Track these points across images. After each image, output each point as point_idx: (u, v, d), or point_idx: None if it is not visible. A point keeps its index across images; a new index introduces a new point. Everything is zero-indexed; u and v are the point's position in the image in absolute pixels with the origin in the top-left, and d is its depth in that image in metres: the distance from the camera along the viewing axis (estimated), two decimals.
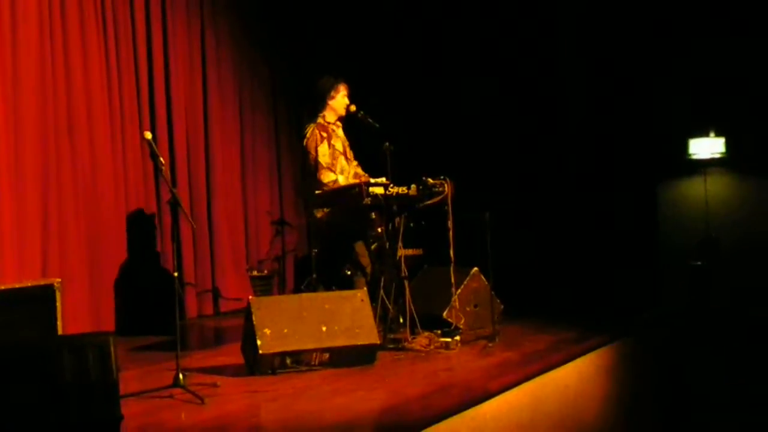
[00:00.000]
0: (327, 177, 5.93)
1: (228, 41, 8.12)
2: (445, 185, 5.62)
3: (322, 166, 5.95)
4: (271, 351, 4.75)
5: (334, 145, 6.07)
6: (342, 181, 5.98)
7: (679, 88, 8.39)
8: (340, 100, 6.12)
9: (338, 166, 6.06)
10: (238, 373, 4.85)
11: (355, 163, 6.28)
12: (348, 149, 6.27)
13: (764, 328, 7.66)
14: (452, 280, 5.75)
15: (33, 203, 6.09)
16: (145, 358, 5.54)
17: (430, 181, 5.63)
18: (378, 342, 5.07)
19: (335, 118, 6.17)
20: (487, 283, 6.17)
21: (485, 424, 4.28)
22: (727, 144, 8.35)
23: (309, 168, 6.04)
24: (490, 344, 5.58)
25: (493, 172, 8.65)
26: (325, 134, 6.05)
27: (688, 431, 6.70)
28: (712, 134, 8.37)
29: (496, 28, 8.89)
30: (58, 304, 4.78)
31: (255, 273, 8.13)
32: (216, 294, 7.74)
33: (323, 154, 5.97)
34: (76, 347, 3.49)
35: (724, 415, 6.89)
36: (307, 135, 6.06)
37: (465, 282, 6.16)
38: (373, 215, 5.83)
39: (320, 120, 6.13)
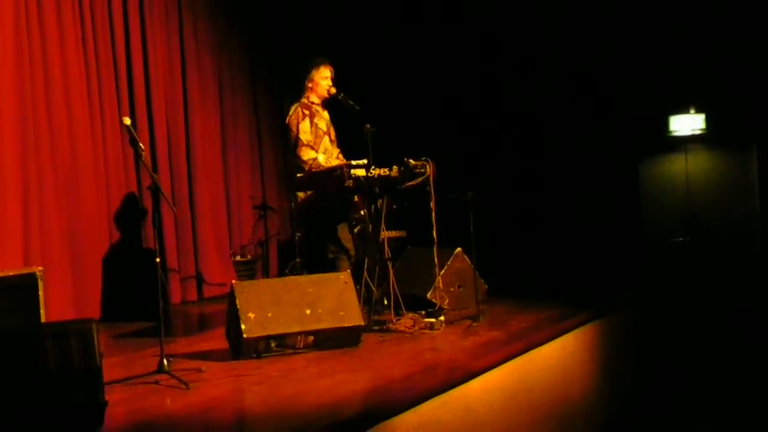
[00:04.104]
0: (306, 154, 5.89)
1: (206, 25, 8.06)
2: (427, 166, 5.59)
3: (302, 142, 5.91)
4: (256, 335, 4.75)
5: (317, 124, 6.03)
6: (322, 160, 5.93)
7: (659, 66, 8.39)
8: (321, 82, 6.08)
9: (321, 146, 6.02)
10: (222, 357, 4.84)
11: (337, 150, 6.24)
12: (333, 132, 6.23)
13: (743, 304, 7.74)
14: (436, 260, 5.73)
15: (13, 192, 6.04)
16: (129, 344, 5.52)
17: (412, 162, 5.61)
18: (362, 324, 5.06)
19: (319, 100, 6.14)
20: (470, 263, 6.18)
21: (470, 404, 4.30)
22: (708, 120, 8.37)
23: (290, 146, 6.01)
24: (475, 324, 5.60)
25: (475, 152, 8.66)
26: (307, 112, 6.01)
27: (670, 406, 6.75)
28: (692, 111, 8.39)
29: (477, 6, 8.87)
30: (41, 292, 4.76)
31: (238, 258, 8.12)
32: (199, 279, 7.73)
33: (304, 131, 5.93)
34: (58, 334, 3.47)
35: (705, 389, 6.96)
36: (290, 113, 6.03)
37: (448, 262, 6.17)
38: (356, 197, 5.81)
39: (304, 100, 6.10)
